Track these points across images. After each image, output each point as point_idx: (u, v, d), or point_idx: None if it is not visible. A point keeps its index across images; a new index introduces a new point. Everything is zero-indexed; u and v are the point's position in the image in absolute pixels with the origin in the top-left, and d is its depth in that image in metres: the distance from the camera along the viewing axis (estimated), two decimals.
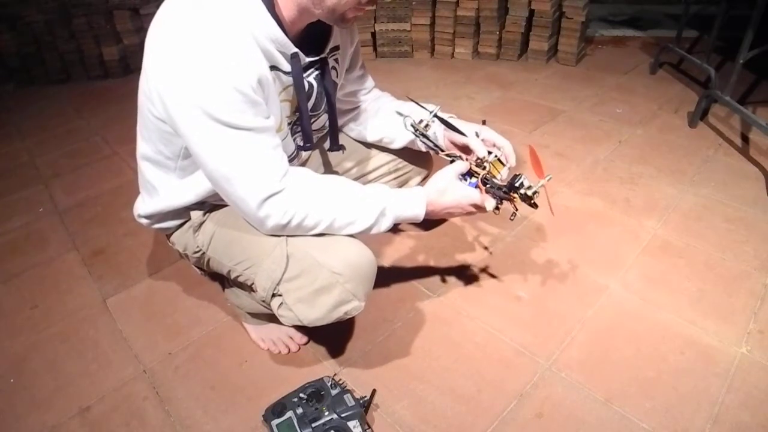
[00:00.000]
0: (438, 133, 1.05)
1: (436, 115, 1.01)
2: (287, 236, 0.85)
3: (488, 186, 0.92)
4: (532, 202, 0.90)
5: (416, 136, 1.03)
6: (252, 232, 0.86)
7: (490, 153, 0.95)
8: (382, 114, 1.12)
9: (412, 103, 1.11)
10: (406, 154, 1.18)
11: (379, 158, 1.19)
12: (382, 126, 1.12)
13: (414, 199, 0.89)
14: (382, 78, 2.43)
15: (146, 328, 1.18)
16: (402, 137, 1.11)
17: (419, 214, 0.89)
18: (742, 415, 0.93)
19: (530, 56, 2.64)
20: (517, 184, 0.90)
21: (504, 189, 0.91)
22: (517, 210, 0.93)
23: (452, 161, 0.96)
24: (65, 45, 2.72)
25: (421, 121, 1.01)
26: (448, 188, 0.90)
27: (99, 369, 1.09)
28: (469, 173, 0.95)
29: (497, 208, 0.93)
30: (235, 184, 0.77)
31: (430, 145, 1.02)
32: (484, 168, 0.93)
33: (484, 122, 1.01)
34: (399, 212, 0.88)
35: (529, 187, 0.89)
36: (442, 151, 1.01)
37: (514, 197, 0.90)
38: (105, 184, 1.78)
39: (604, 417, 0.94)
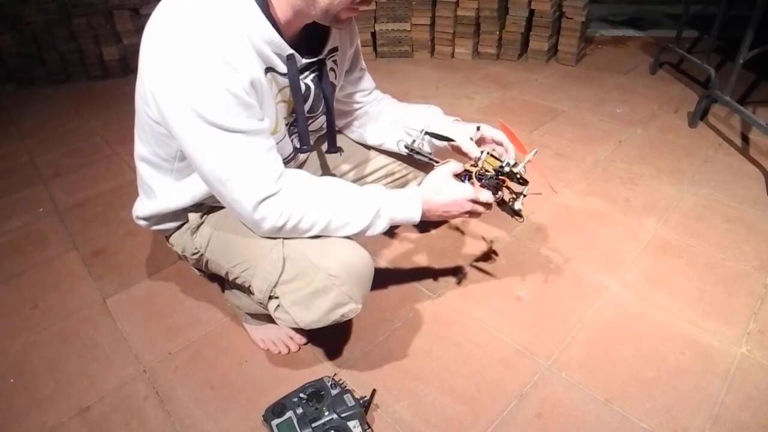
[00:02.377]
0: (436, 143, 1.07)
1: (427, 133, 1.03)
2: (283, 238, 0.84)
3: (482, 181, 0.93)
4: (520, 177, 0.91)
5: (411, 154, 1.06)
6: (249, 235, 0.86)
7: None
8: (384, 121, 1.12)
9: (412, 107, 1.12)
10: (405, 157, 1.17)
11: (377, 161, 1.18)
12: (383, 133, 1.12)
13: (409, 200, 0.89)
14: (382, 78, 2.43)
15: (146, 328, 1.18)
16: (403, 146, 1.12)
17: (415, 214, 0.89)
18: (742, 415, 0.93)
19: (530, 56, 2.64)
20: (503, 165, 0.91)
21: (493, 176, 0.92)
22: (515, 197, 0.95)
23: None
24: (65, 45, 2.72)
25: (413, 141, 1.04)
26: (443, 187, 0.90)
27: (99, 369, 1.09)
28: (466, 175, 0.95)
29: (510, 207, 0.93)
30: (229, 187, 0.77)
31: (425, 160, 1.04)
32: (477, 166, 0.94)
33: (478, 128, 1.02)
34: (394, 213, 0.88)
35: (515, 165, 0.91)
36: (437, 162, 1.01)
37: (503, 179, 0.92)
38: (105, 184, 1.78)
39: (604, 417, 0.94)
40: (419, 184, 0.93)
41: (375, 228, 0.87)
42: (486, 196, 0.91)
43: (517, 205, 0.95)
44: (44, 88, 2.77)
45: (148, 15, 0.74)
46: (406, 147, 1.05)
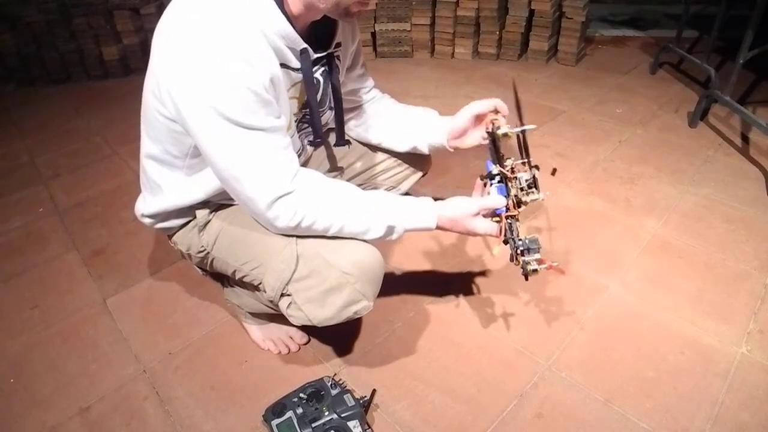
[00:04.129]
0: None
1: (523, 132, 0.89)
2: (297, 236, 0.85)
3: (509, 223, 0.87)
4: (526, 272, 0.85)
5: (489, 135, 0.96)
6: (260, 232, 0.87)
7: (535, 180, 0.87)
8: (382, 120, 1.12)
9: (412, 111, 1.11)
10: (404, 155, 1.18)
11: (379, 155, 1.19)
12: (381, 132, 1.12)
13: (425, 215, 0.88)
14: (382, 78, 2.43)
15: (146, 328, 1.18)
16: (402, 144, 1.11)
17: (430, 225, 0.89)
18: (742, 415, 0.93)
19: (530, 56, 2.64)
20: (526, 253, 0.85)
21: (518, 249, 0.85)
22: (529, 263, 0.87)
23: (491, 181, 0.90)
24: (65, 45, 2.71)
25: (499, 128, 0.93)
26: (461, 219, 0.88)
27: (99, 369, 1.09)
28: (502, 181, 0.88)
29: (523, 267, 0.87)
30: (245, 184, 0.77)
31: (495, 157, 0.93)
32: (519, 205, 0.87)
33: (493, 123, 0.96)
34: (409, 226, 0.88)
35: (530, 262, 0.84)
36: (504, 167, 0.89)
37: (518, 257, 0.86)
38: (105, 184, 1.78)
39: (604, 417, 0.94)
40: (416, 183, 0.92)
41: (390, 237, 0.88)
42: (497, 250, 0.88)
43: (532, 267, 0.85)
44: (44, 88, 2.77)
45: (148, 15, 0.75)
46: (490, 131, 0.95)
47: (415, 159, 1.20)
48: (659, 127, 1.94)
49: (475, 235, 0.90)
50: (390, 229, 0.86)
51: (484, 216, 0.89)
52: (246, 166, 0.76)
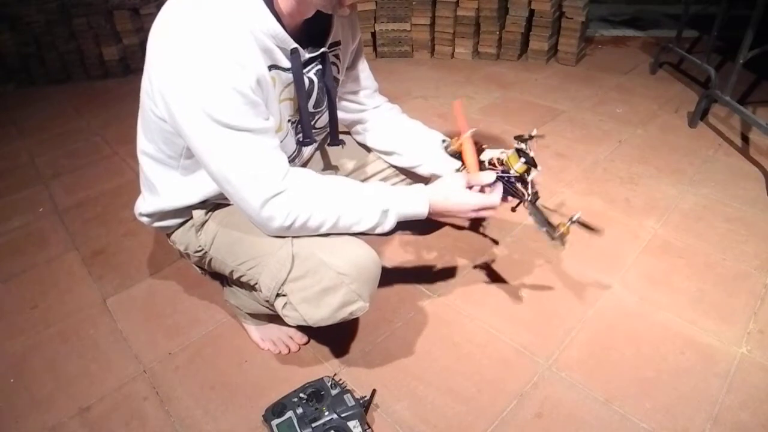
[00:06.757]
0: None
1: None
2: (292, 237, 0.85)
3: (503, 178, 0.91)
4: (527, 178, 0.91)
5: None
6: (256, 232, 0.87)
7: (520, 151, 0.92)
8: (389, 129, 1.12)
9: (420, 132, 1.12)
10: (403, 172, 1.18)
11: (377, 164, 1.18)
12: (391, 142, 1.12)
13: (416, 197, 0.89)
14: (382, 78, 2.42)
15: (146, 328, 1.18)
16: (405, 161, 1.12)
17: (422, 210, 0.89)
18: (742, 415, 0.93)
19: (530, 56, 2.64)
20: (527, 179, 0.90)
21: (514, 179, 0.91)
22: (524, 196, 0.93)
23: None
24: (65, 45, 2.72)
25: (526, 147, 0.93)
26: (451, 194, 0.90)
27: (99, 369, 1.09)
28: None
29: (551, 232, 0.92)
30: (236, 186, 0.78)
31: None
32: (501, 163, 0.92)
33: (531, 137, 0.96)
34: (401, 209, 0.88)
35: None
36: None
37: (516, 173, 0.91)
38: (105, 184, 1.78)
39: (604, 417, 0.94)
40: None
41: (384, 225, 0.87)
42: (495, 198, 0.90)
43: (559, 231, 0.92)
44: (44, 88, 2.77)
45: (148, 15, 0.75)
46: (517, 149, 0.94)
47: (411, 174, 1.19)
48: (659, 127, 1.94)
49: (466, 214, 0.90)
50: (384, 214, 0.86)
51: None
52: (236, 167, 0.76)
